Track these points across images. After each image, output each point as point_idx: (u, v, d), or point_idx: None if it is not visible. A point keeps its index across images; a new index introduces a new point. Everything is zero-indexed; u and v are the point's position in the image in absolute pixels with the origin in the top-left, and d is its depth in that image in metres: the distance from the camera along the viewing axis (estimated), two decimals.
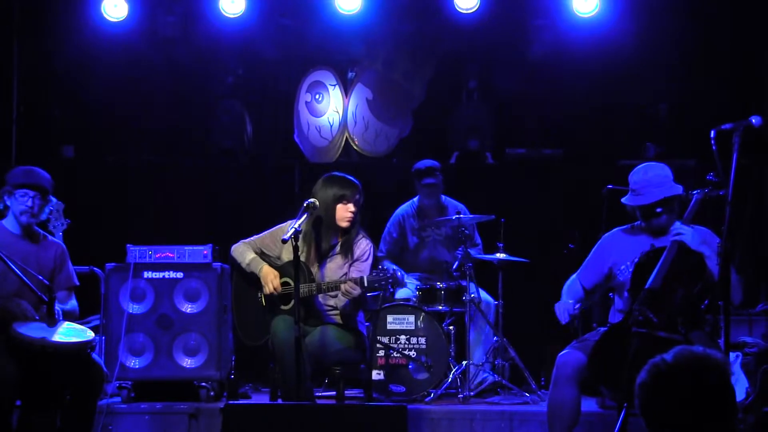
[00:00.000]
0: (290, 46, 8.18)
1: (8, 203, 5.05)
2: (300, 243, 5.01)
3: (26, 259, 4.99)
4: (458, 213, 6.63)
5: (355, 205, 5.40)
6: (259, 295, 5.47)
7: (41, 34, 8.08)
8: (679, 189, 4.76)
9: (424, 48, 8.33)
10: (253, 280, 5.48)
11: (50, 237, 5.27)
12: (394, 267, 5.27)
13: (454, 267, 6.62)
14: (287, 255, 5.40)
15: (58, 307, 4.87)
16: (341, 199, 5.38)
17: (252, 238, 5.59)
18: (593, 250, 5.04)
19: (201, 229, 7.39)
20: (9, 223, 5.09)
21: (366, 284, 5.19)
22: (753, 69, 7.83)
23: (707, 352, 2.38)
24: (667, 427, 2.36)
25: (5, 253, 4.83)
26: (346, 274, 5.38)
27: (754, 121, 4.21)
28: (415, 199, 7.19)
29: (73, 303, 5.20)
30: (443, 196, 7.12)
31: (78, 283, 5.27)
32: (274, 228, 5.56)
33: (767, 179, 7.77)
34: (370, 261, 5.45)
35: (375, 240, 5.69)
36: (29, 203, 5.02)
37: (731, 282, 4.59)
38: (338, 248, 5.46)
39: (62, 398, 4.80)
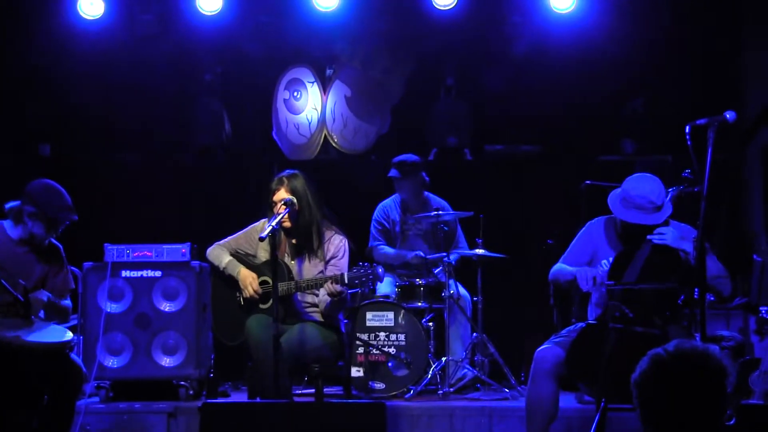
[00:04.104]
0: (268, 44, 8.14)
1: (24, 219, 4.96)
2: (276, 241, 5.01)
3: (17, 262, 4.95)
4: (437, 210, 6.62)
5: (274, 195, 5.36)
6: (238, 296, 5.45)
7: (17, 31, 8.02)
8: (653, 219, 4.69)
9: (403, 45, 8.31)
10: (232, 281, 5.46)
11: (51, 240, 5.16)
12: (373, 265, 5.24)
13: (436, 270, 6.65)
14: (264, 254, 5.40)
15: (56, 302, 4.85)
16: (271, 195, 5.39)
17: (226, 239, 5.58)
18: (578, 235, 5.04)
19: (179, 227, 7.35)
20: (11, 227, 5.02)
21: (347, 281, 5.18)
22: (728, 64, 7.87)
23: (707, 347, 2.48)
24: (661, 414, 2.43)
25: None
26: (322, 272, 5.38)
27: (728, 116, 4.23)
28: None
29: (67, 302, 5.17)
30: (427, 193, 7.10)
31: (73, 286, 5.25)
32: (248, 228, 5.56)
33: (742, 173, 7.82)
34: (346, 258, 5.44)
35: (354, 236, 5.67)
36: (42, 233, 4.98)
37: (720, 274, 4.63)
38: (309, 245, 5.42)
39: (39, 398, 4.77)
